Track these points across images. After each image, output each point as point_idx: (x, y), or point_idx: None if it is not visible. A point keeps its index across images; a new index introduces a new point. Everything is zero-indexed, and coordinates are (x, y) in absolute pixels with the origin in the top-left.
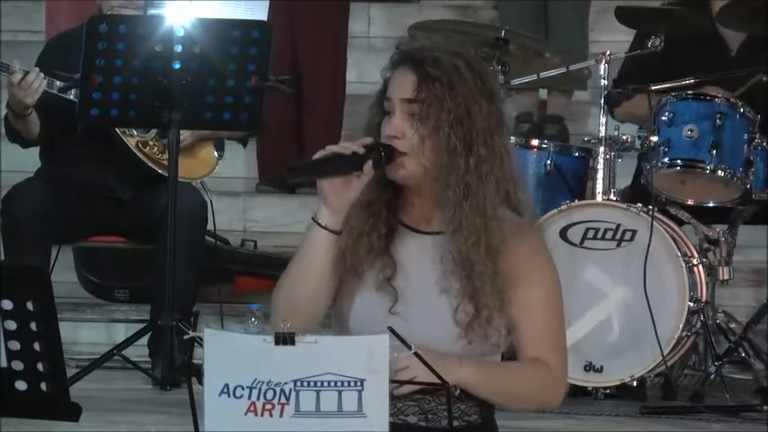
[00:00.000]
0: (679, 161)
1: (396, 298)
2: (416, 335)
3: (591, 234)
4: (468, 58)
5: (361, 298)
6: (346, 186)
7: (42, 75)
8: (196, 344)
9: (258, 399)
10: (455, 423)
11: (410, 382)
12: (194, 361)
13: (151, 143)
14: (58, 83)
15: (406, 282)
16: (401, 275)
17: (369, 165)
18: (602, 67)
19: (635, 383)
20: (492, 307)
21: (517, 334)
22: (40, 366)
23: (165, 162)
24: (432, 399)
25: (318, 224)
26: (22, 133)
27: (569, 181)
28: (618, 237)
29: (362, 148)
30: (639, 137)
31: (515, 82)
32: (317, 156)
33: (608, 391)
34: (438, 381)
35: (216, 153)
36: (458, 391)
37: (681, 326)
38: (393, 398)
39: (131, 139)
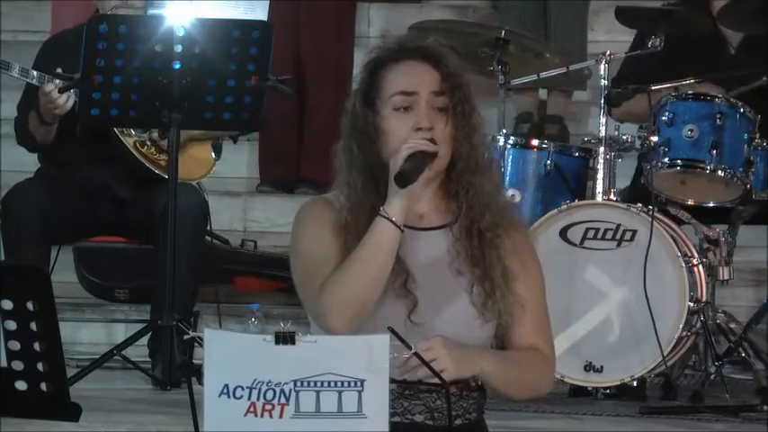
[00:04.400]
0: (679, 161)
1: (415, 302)
2: (440, 324)
3: (591, 234)
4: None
5: (381, 308)
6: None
7: (74, 97)
8: (196, 344)
9: (258, 399)
10: (458, 421)
11: (409, 381)
12: (194, 361)
13: (149, 143)
14: (57, 82)
15: (423, 282)
16: (418, 276)
17: (439, 161)
18: (602, 67)
19: (635, 383)
20: (503, 286)
21: (516, 320)
22: (40, 366)
23: (162, 162)
24: (438, 397)
25: (390, 221)
26: (37, 138)
27: (569, 181)
28: (618, 237)
29: (432, 147)
30: (639, 137)
31: (515, 82)
32: (403, 154)
33: (608, 391)
34: (438, 381)
35: (213, 154)
36: (479, 381)
37: (681, 326)
38: (399, 397)
39: (129, 138)
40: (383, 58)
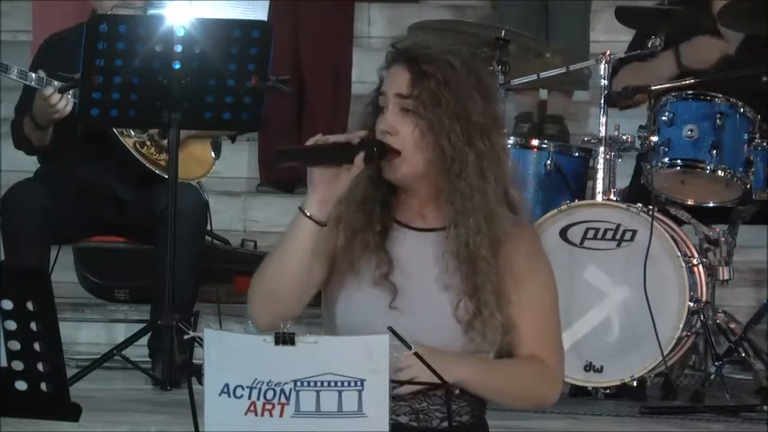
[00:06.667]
0: (679, 161)
1: (395, 293)
2: (418, 330)
3: (591, 234)
4: (463, 56)
5: (359, 293)
6: (336, 178)
7: (73, 100)
8: (196, 344)
9: (258, 398)
10: (446, 423)
11: (410, 382)
12: (194, 361)
13: (148, 143)
14: (57, 83)
15: (406, 278)
16: (399, 272)
17: (360, 157)
18: (602, 67)
19: (635, 383)
20: (492, 305)
21: (514, 332)
22: (40, 366)
23: (162, 162)
24: (423, 398)
25: (304, 213)
26: (33, 142)
27: (569, 181)
28: (618, 237)
29: (356, 139)
30: (639, 137)
31: (515, 82)
32: (309, 142)
33: (608, 391)
34: (438, 380)
35: (213, 153)
36: (457, 390)
37: (681, 326)
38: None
39: (129, 139)
40: (386, 60)
